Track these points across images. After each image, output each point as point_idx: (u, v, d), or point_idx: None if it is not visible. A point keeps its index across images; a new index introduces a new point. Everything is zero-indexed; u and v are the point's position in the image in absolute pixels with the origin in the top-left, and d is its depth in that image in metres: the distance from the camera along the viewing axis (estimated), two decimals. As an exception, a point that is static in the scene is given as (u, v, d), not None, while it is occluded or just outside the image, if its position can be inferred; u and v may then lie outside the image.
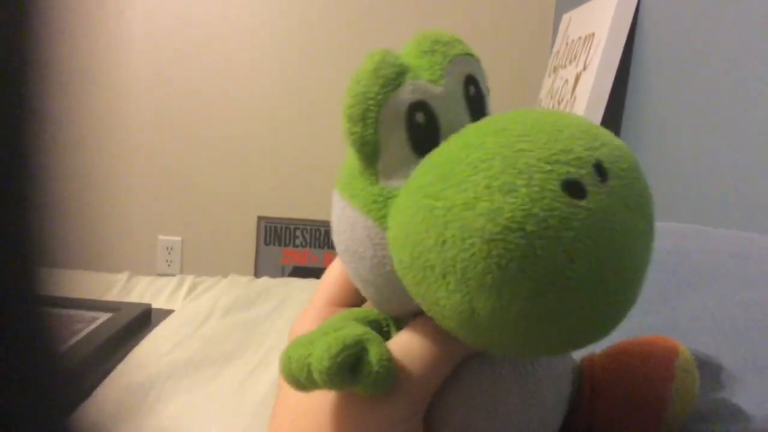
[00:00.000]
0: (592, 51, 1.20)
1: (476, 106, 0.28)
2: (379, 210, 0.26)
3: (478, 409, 0.28)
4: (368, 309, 0.30)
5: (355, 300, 0.32)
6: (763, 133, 0.76)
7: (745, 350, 0.37)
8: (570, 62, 1.35)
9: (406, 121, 0.26)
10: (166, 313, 1.02)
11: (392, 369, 0.25)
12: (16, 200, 0.15)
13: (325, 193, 1.92)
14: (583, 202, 0.21)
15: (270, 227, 1.92)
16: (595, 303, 0.22)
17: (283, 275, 1.83)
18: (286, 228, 1.91)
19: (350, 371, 0.24)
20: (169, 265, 1.94)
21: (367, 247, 0.27)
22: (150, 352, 0.88)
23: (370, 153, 0.27)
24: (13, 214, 0.15)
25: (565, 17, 1.53)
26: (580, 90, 1.21)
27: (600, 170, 0.22)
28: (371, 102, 0.26)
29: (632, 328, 0.42)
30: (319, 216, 1.90)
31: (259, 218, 1.92)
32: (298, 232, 1.91)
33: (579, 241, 0.21)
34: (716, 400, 0.34)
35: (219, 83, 1.85)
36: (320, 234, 1.90)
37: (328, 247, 1.90)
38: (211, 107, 1.86)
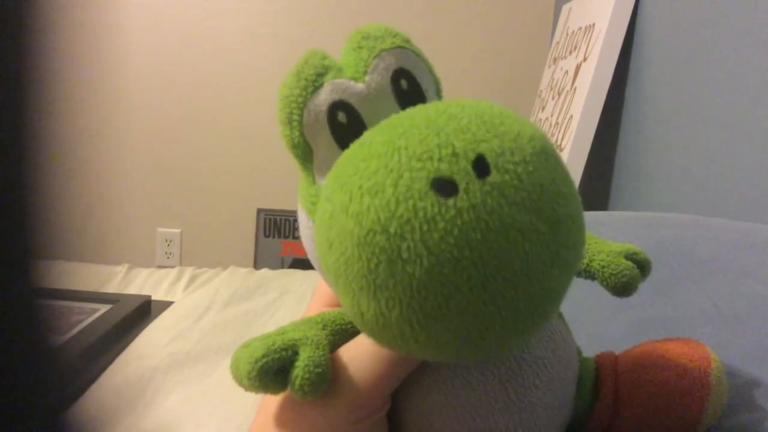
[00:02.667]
0: (592, 42, 1.20)
1: (411, 100, 0.27)
2: (315, 210, 0.26)
3: (457, 416, 0.27)
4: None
5: None
6: (764, 124, 0.76)
7: (748, 341, 0.37)
8: (570, 53, 1.34)
9: (328, 122, 0.26)
10: (165, 305, 1.02)
11: (321, 374, 0.25)
12: (15, 193, 0.15)
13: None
14: (451, 201, 0.20)
15: (269, 219, 1.92)
16: (479, 306, 0.21)
17: (282, 267, 1.83)
18: (285, 220, 1.91)
19: (275, 375, 0.24)
20: (168, 258, 1.94)
21: (312, 248, 0.27)
22: (149, 344, 0.88)
23: (302, 154, 0.27)
24: (12, 207, 0.15)
25: (566, 8, 1.52)
26: (581, 81, 1.21)
27: (482, 165, 0.21)
28: (294, 105, 0.26)
29: (636, 319, 0.42)
30: (318, 208, 1.90)
31: (259, 210, 1.92)
32: (297, 224, 1.91)
33: (445, 241, 0.20)
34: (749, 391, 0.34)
35: (218, 76, 1.84)
36: (319, 226, 1.90)
37: (328, 239, 1.90)
38: (209, 99, 1.85)
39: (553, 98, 1.39)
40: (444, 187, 0.21)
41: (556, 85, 1.40)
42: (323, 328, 0.28)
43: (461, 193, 0.20)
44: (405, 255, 0.20)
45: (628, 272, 0.30)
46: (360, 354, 0.27)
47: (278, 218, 1.91)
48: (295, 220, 1.90)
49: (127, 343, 0.87)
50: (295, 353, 0.25)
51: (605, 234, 0.54)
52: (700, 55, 0.93)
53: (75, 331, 0.84)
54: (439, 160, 0.21)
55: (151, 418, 0.72)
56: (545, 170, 0.22)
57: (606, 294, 0.31)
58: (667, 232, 0.51)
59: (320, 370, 0.25)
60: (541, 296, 0.22)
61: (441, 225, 0.20)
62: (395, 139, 0.22)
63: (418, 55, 0.28)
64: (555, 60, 1.49)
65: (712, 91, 0.89)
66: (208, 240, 1.94)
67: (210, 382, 0.78)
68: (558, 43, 1.51)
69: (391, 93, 0.27)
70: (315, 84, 0.26)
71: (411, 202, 0.20)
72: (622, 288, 0.30)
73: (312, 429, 0.27)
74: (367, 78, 0.26)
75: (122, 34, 1.73)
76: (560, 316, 0.31)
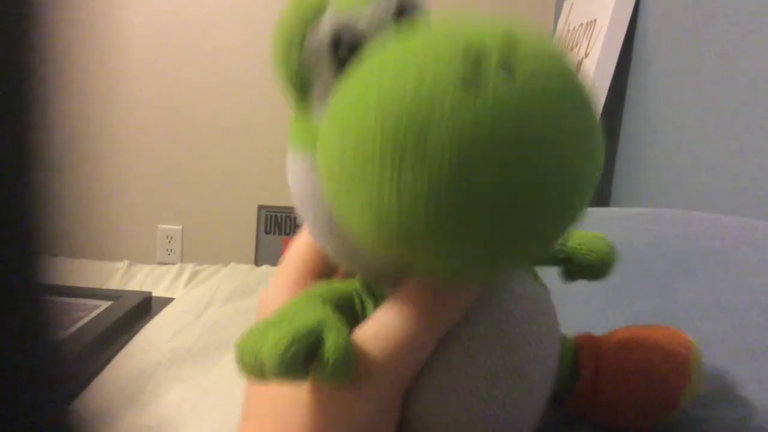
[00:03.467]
0: (593, 38, 1.20)
1: None
2: (315, 143, 0.25)
3: (460, 392, 0.26)
4: (338, 283, 0.29)
5: (326, 267, 0.31)
6: (766, 120, 0.76)
7: (750, 337, 0.37)
8: (571, 49, 1.34)
9: (330, 53, 0.25)
10: (166, 302, 1.02)
11: (350, 358, 0.24)
12: (17, 189, 0.15)
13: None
14: (481, 92, 0.20)
15: (270, 216, 1.92)
16: (510, 189, 0.20)
17: (283, 264, 1.83)
18: (286, 217, 1.91)
19: (303, 363, 0.23)
20: (169, 254, 1.94)
21: (308, 185, 0.27)
22: (150, 340, 0.88)
23: (299, 87, 0.26)
24: (13, 203, 0.15)
25: (567, 4, 1.52)
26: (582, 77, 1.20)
27: (508, 63, 0.21)
28: (294, 37, 0.26)
29: (636, 313, 0.42)
30: (319, 204, 1.90)
31: (260, 207, 1.92)
32: (298, 221, 1.91)
33: (474, 129, 0.20)
34: (720, 387, 0.34)
35: (219, 73, 1.84)
36: (320, 222, 1.90)
37: (329, 236, 1.90)
38: (211, 97, 1.85)
39: (554, 94, 1.39)
40: (473, 76, 0.20)
41: (557, 81, 1.40)
42: (330, 305, 0.27)
43: (488, 89, 0.20)
44: (432, 139, 0.20)
45: (606, 249, 0.31)
46: (381, 335, 0.26)
47: (279, 215, 1.91)
48: (297, 217, 1.90)
49: (128, 339, 0.87)
50: (319, 338, 0.24)
51: (606, 230, 0.54)
52: (701, 51, 0.93)
53: (76, 327, 0.84)
54: (468, 54, 0.21)
55: (152, 413, 0.72)
56: (568, 83, 0.22)
57: (606, 289, 0.31)
58: (668, 227, 0.51)
59: (350, 353, 0.24)
60: (570, 195, 0.22)
61: (465, 115, 0.20)
62: (418, 41, 0.22)
63: None
64: (556, 56, 1.48)
65: (714, 87, 0.89)
66: (209, 237, 1.94)
67: (211, 377, 0.78)
68: (559, 39, 1.51)
69: (393, 25, 0.26)
70: (315, 14, 0.26)
71: (439, 80, 0.20)
72: (600, 265, 0.31)
73: (327, 414, 0.26)
74: (369, 8, 0.26)
75: (124, 32, 1.72)
76: (547, 291, 0.30)
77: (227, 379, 0.78)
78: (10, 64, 0.15)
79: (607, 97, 1.14)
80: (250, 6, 1.82)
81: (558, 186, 0.21)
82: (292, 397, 0.27)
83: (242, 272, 1.20)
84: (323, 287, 0.28)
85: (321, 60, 0.26)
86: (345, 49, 0.25)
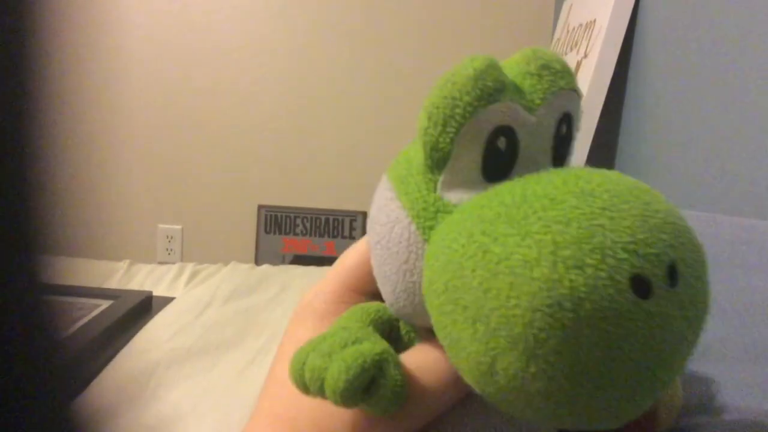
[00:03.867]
0: (593, 38, 1.20)
1: (562, 145, 0.26)
2: (427, 219, 0.25)
3: None
4: (383, 306, 0.29)
5: (372, 289, 0.30)
6: (765, 120, 0.76)
7: (748, 336, 0.37)
8: (571, 50, 1.34)
9: (486, 142, 0.24)
10: (166, 301, 1.02)
11: (403, 393, 0.25)
12: (17, 188, 0.15)
13: (325, 182, 1.91)
14: (645, 304, 0.20)
15: (270, 216, 1.92)
16: (617, 402, 0.21)
17: (283, 263, 1.83)
18: (286, 216, 1.91)
19: (364, 391, 0.24)
20: (169, 254, 1.94)
21: (401, 250, 0.26)
22: (151, 340, 0.88)
23: (439, 160, 0.25)
24: (14, 203, 0.15)
25: (566, 4, 1.52)
26: (581, 78, 1.20)
27: (672, 273, 0.21)
28: (458, 110, 0.24)
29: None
30: (319, 205, 1.90)
31: (260, 207, 1.92)
32: (298, 221, 1.91)
33: (627, 342, 0.20)
34: (717, 388, 0.34)
35: (219, 72, 1.84)
36: (321, 223, 1.90)
37: (329, 236, 1.90)
38: (211, 95, 1.85)
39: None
40: (640, 285, 0.20)
41: (556, 81, 1.40)
42: (378, 329, 0.28)
43: (655, 298, 0.20)
44: (583, 340, 0.20)
45: None
46: (424, 372, 0.26)
47: (279, 215, 1.92)
48: (296, 217, 1.90)
49: (129, 339, 0.88)
50: (382, 370, 0.24)
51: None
52: (701, 51, 0.93)
53: (77, 326, 0.85)
54: (644, 257, 0.20)
55: (153, 413, 0.72)
56: (708, 287, 0.23)
57: None
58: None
59: (403, 390, 0.25)
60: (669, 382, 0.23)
61: (629, 324, 0.20)
62: (598, 215, 0.21)
63: (580, 101, 0.27)
64: (556, 56, 1.48)
65: (713, 88, 0.89)
66: (209, 236, 1.94)
67: (211, 376, 0.79)
68: (559, 39, 1.51)
69: (552, 135, 0.26)
70: (491, 98, 0.24)
71: (609, 291, 0.20)
72: None
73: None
74: (539, 111, 0.25)
75: (124, 32, 1.72)
76: None
77: (227, 379, 0.78)
78: (10, 63, 0.15)
79: (607, 98, 1.14)
80: (252, 5, 1.82)
81: (669, 381, 0.22)
82: (330, 413, 0.27)
83: (242, 272, 1.20)
84: (371, 306, 0.29)
85: (472, 146, 0.24)
86: (503, 143, 0.24)
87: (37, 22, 0.16)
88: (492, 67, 0.24)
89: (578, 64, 1.25)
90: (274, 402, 0.29)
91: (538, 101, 0.25)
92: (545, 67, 0.26)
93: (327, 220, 1.88)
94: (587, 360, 0.20)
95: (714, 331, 0.38)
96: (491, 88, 0.24)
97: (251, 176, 1.90)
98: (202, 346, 0.87)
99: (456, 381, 0.25)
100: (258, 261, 1.91)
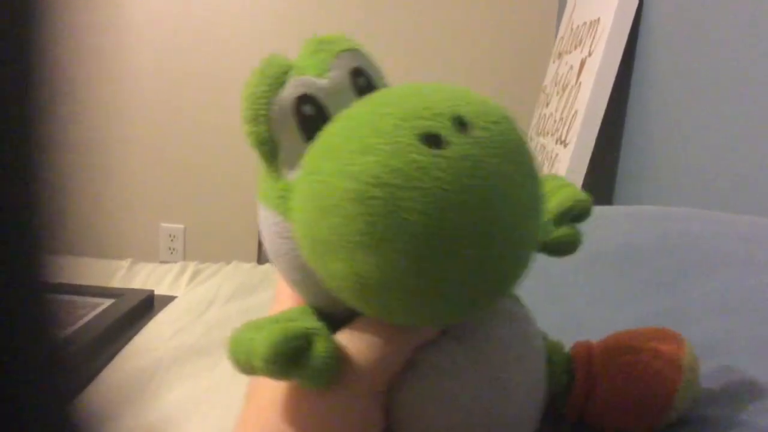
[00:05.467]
0: (597, 37, 1.19)
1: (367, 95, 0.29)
2: (283, 204, 0.27)
3: (437, 402, 0.28)
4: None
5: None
6: (770, 119, 0.75)
7: (754, 333, 0.37)
8: (575, 48, 1.34)
9: (295, 115, 0.27)
10: (169, 300, 1.02)
11: (333, 366, 0.26)
12: (21, 188, 0.15)
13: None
14: (443, 152, 0.22)
15: (272, 214, 1.92)
16: (476, 251, 0.23)
17: (285, 262, 1.83)
18: (288, 215, 1.91)
19: (290, 362, 0.25)
20: (171, 253, 1.94)
21: (280, 245, 0.28)
22: (153, 339, 0.88)
23: (268, 150, 0.29)
24: (17, 202, 0.15)
25: (570, 3, 1.52)
26: (585, 76, 1.20)
27: (461, 123, 0.23)
28: (261, 101, 0.28)
29: (642, 312, 0.42)
30: (321, 203, 1.89)
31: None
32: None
33: (443, 189, 0.22)
34: (725, 384, 0.34)
35: (222, 71, 1.84)
36: (323, 221, 1.90)
37: (331, 235, 1.90)
38: (214, 94, 1.85)
39: (557, 93, 1.39)
40: (432, 140, 0.22)
41: (560, 80, 1.39)
42: (321, 320, 0.28)
43: (450, 145, 0.22)
44: (404, 204, 0.22)
45: (566, 239, 0.32)
46: (358, 344, 0.27)
47: (281, 213, 1.91)
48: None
49: (131, 337, 0.87)
50: (310, 342, 0.25)
51: (610, 228, 0.53)
52: (705, 49, 0.93)
53: (79, 325, 0.84)
54: (424, 118, 0.23)
55: (155, 411, 0.72)
56: (515, 130, 0.25)
57: (612, 289, 0.31)
58: (672, 225, 0.51)
59: (334, 362, 0.26)
60: (526, 242, 0.25)
61: (436, 173, 0.22)
62: (379, 107, 0.24)
63: (368, 55, 0.30)
64: (560, 55, 1.48)
65: (717, 86, 0.88)
66: (211, 236, 1.94)
67: (214, 375, 0.78)
68: (563, 37, 1.50)
69: (351, 88, 0.28)
70: (279, 80, 0.28)
71: (403, 155, 0.22)
72: (563, 252, 0.32)
73: (312, 410, 0.27)
74: (329, 74, 0.28)
75: (127, 31, 1.72)
76: (518, 301, 0.32)
77: (230, 378, 0.78)
78: (14, 64, 0.15)
79: (611, 96, 1.14)
80: (253, 4, 1.82)
81: (517, 227, 0.24)
82: (272, 398, 0.28)
83: (245, 271, 1.20)
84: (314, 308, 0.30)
85: (286, 124, 0.28)
86: (309, 113, 0.27)
87: (39, 22, 0.15)
88: (275, 57, 0.29)
89: (582, 63, 1.24)
90: (253, 397, 0.31)
91: (325, 67, 0.28)
92: (321, 42, 0.30)
93: (329, 219, 1.88)
94: (421, 221, 0.22)
95: (723, 328, 0.38)
96: (278, 71, 0.28)
97: (254, 176, 1.90)
98: (204, 345, 0.86)
99: (391, 345, 0.27)
100: (260, 260, 1.91)
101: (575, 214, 0.32)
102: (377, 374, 0.27)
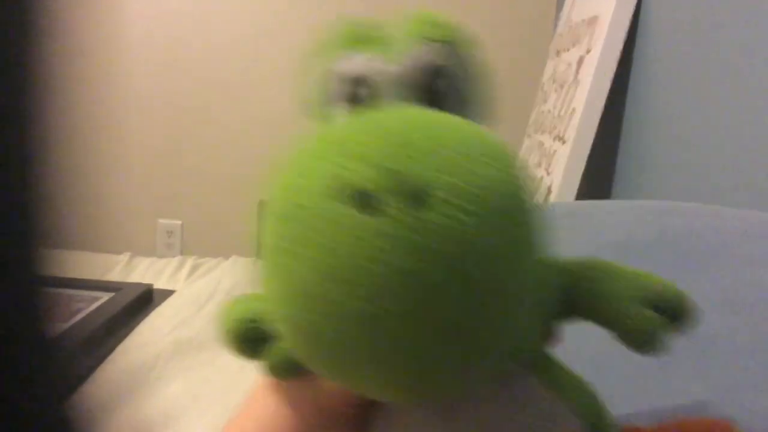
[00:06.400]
0: (595, 34, 1.19)
1: (438, 101, 0.25)
2: None
3: None
4: None
5: None
6: (769, 116, 0.76)
7: (755, 329, 0.37)
8: (573, 45, 1.34)
9: (349, 92, 0.25)
10: (167, 294, 1.02)
11: (292, 360, 0.24)
12: (20, 183, 0.15)
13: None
14: (368, 218, 0.18)
15: (270, 211, 1.91)
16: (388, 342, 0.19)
17: (283, 259, 1.83)
18: (286, 211, 1.91)
19: (252, 344, 0.24)
20: (169, 249, 1.93)
21: None
22: (152, 332, 0.88)
23: (315, 115, 0.27)
24: (16, 197, 0.15)
25: (569, 0, 1.52)
26: (584, 74, 1.20)
27: (420, 195, 0.18)
28: (321, 64, 0.25)
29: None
30: (319, 199, 1.89)
31: (261, 202, 1.91)
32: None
33: (353, 259, 0.18)
34: (729, 380, 0.34)
35: (220, 67, 1.84)
36: (321, 218, 1.89)
37: (329, 231, 1.89)
38: (211, 90, 1.85)
39: (555, 91, 1.39)
40: (365, 199, 0.19)
41: (558, 77, 1.39)
42: None
43: (385, 216, 0.18)
44: (309, 255, 0.19)
45: (647, 325, 0.24)
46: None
47: (279, 210, 1.91)
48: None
49: (129, 331, 0.88)
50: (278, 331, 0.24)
51: (609, 223, 0.53)
52: (703, 47, 0.93)
53: (77, 318, 0.84)
54: (376, 169, 0.19)
55: (153, 405, 0.72)
56: (499, 224, 0.19)
57: None
58: (672, 220, 0.51)
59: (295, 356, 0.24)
60: (454, 344, 0.20)
61: (348, 237, 0.18)
62: (353, 134, 0.21)
63: (463, 56, 0.26)
64: (558, 52, 1.48)
65: (716, 84, 0.88)
66: (208, 232, 1.93)
67: (212, 369, 0.78)
68: (561, 35, 1.50)
69: (419, 87, 0.25)
70: (352, 48, 0.25)
71: (326, 207, 0.19)
72: (642, 343, 0.24)
73: (277, 415, 0.27)
74: (402, 62, 0.25)
75: (125, 28, 1.72)
76: (558, 388, 0.26)
77: (228, 372, 0.78)
78: (12, 61, 0.15)
79: (609, 93, 1.14)
80: (253, 4, 1.81)
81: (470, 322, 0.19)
82: (257, 391, 0.28)
83: (244, 265, 1.20)
84: None
85: (337, 96, 0.25)
86: (361, 95, 0.25)
87: (38, 19, 0.16)
88: (356, 21, 0.26)
89: (581, 60, 1.24)
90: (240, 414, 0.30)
91: (403, 53, 0.25)
92: (421, 20, 0.26)
93: (327, 215, 1.88)
94: (313, 281, 0.19)
95: (724, 324, 0.38)
96: (352, 38, 0.25)
97: (252, 171, 1.90)
98: (203, 338, 0.86)
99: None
100: (259, 256, 1.90)
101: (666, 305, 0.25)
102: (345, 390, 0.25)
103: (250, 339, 0.24)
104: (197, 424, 0.70)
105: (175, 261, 1.24)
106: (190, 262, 1.24)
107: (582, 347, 0.32)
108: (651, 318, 0.24)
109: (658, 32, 1.10)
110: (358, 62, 0.25)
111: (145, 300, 0.99)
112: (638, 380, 0.37)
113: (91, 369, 0.74)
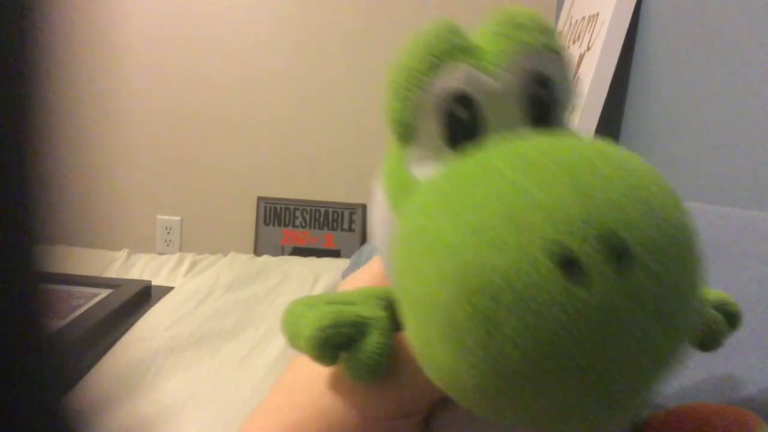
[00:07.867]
0: (596, 31, 1.19)
1: (542, 111, 0.24)
2: (397, 196, 0.24)
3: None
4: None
5: None
6: (769, 114, 0.75)
7: (756, 325, 0.37)
8: (574, 42, 1.34)
9: (444, 111, 0.23)
10: (166, 290, 1.02)
11: (382, 363, 0.23)
12: (18, 178, 0.15)
13: (325, 175, 1.90)
14: (579, 291, 0.17)
15: (269, 207, 1.91)
16: (566, 408, 0.18)
17: (282, 255, 1.83)
18: (285, 208, 1.91)
19: (335, 349, 0.23)
20: (168, 245, 1.94)
21: (379, 229, 0.25)
22: (150, 328, 0.88)
23: (404, 135, 0.24)
24: (14, 192, 0.15)
25: (569, -3, 1.51)
26: (584, 71, 1.20)
27: (622, 256, 0.17)
28: (415, 79, 0.23)
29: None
30: (319, 197, 1.89)
31: (259, 198, 1.91)
32: (297, 213, 1.90)
33: (560, 336, 0.17)
34: (728, 377, 0.34)
35: (219, 64, 1.83)
36: (320, 215, 1.89)
37: (328, 228, 1.89)
38: (211, 88, 1.85)
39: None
40: (571, 267, 0.17)
41: (559, 74, 1.39)
42: (385, 309, 0.25)
43: (594, 285, 0.17)
44: (506, 332, 0.17)
45: (714, 325, 0.26)
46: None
47: (278, 206, 1.91)
48: (296, 209, 1.90)
49: (128, 328, 0.88)
50: (362, 333, 0.23)
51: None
52: (704, 45, 0.93)
53: (75, 315, 0.84)
54: (577, 234, 0.17)
55: (151, 402, 0.72)
56: (685, 272, 0.19)
57: None
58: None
59: (383, 359, 0.23)
60: (636, 399, 0.19)
61: (558, 315, 0.17)
62: (532, 186, 0.18)
63: (564, 62, 0.24)
64: (558, 49, 1.48)
65: (716, 82, 0.88)
66: (208, 228, 1.93)
67: (211, 366, 0.78)
68: (561, 32, 1.50)
69: (523, 100, 0.23)
70: (445, 62, 0.22)
71: (532, 275, 0.17)
72: (710, 342, 0.26)
73: (343, 414, 0.25)
74: (504, 75, 0.23)
75: (124, 24, 1.72)
76: None
77: (227, 368, 0.78)
78: (10, 57, 0.15)
79: (609, 91, 1.14)
80: (250, 0, 1.81)
81: (634, 395, 0.19)
82: (309, 381, 0.26)
83: (242, 262, 1.20)
84: (385, 289, 0.27)
85: (431, 117, 0.23)
86: (464, 112, 0.22)
87: (36, 16, 0.15)
88: (450, 29, 0.23)
89: (581, 57, 1.24)
90: (280, 403, 0.28)
91: (503, 63, 0.23)
92: (517, 26, 0.23)
93: (326, 212, 1.88)
94: (513, 354, 0.17)
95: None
96: (448, 51, 0.22)
97: (251, 168, 1.90)
98: (201, 335, 0.86)
99: None
100: (257, 253, 1.91)
101: (722, 308, 0.27)
102: (425, 390, 0.24)
103: (336, 345, 0.23)
104: (196, 420, 0.70)
105: (174, 257, 1.24)
106: (189, 258, 1.23)
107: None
108: (719, 320, 0.26)
109: (658, 30, 1.10)
110: (456, 76, 0.22)
111: (143, 296, 0.99)
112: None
113: (90, 365, 0.74)
